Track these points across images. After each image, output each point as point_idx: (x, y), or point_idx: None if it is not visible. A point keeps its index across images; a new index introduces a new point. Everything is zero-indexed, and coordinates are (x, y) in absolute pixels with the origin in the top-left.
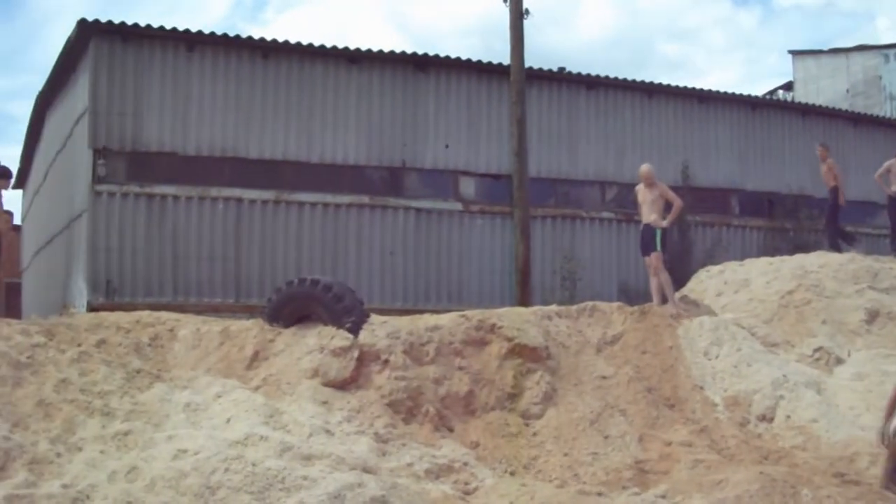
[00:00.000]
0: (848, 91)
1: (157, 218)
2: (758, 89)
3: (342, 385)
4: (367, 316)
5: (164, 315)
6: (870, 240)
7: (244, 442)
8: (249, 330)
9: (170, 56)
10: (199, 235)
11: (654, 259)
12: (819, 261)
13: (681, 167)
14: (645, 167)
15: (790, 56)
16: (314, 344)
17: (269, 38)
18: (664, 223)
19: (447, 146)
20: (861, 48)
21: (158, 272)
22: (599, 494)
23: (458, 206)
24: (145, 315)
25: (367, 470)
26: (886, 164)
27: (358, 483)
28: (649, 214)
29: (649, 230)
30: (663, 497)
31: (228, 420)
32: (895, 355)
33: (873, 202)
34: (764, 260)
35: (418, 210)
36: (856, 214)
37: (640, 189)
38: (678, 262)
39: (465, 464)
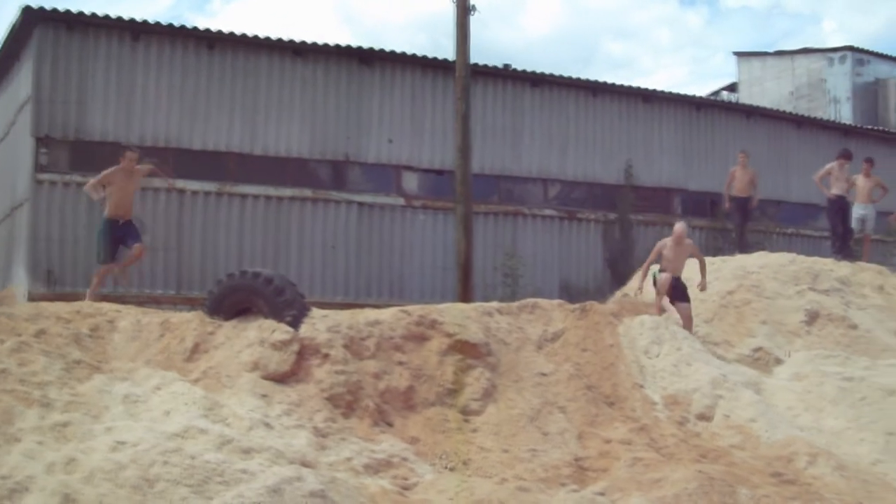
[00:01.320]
0: (792, 93)
1: (100, 208)
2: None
3: (282, 378)
4: (308, 309)
5: (104, 306)
6: (811, 242)
7: (183, 435)
8: (190, 322)
9: (115, 45)
10: (140, 226)
11: (687, 309)
12: (760, 261)
13: (624, 166)
14: (680, 226)
15: (735, 57)
16: (254, 337)
17: (214, 28)
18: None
19: (391, 141)
20: (806, 51)
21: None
22: (538, 491)
23: (401, 201)
24: (85, 305)
25: (305, 464)
26: (827, 166)
27: (297, 477)
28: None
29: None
30: (602, 494)
31: (168, 412)
32: (834, 356)
33: (814, 204)
34: (707, 259)
35: (360, 204)
36: (798, 216)
37: (668, 244)
38: (620, 261)
39: (405, 459)
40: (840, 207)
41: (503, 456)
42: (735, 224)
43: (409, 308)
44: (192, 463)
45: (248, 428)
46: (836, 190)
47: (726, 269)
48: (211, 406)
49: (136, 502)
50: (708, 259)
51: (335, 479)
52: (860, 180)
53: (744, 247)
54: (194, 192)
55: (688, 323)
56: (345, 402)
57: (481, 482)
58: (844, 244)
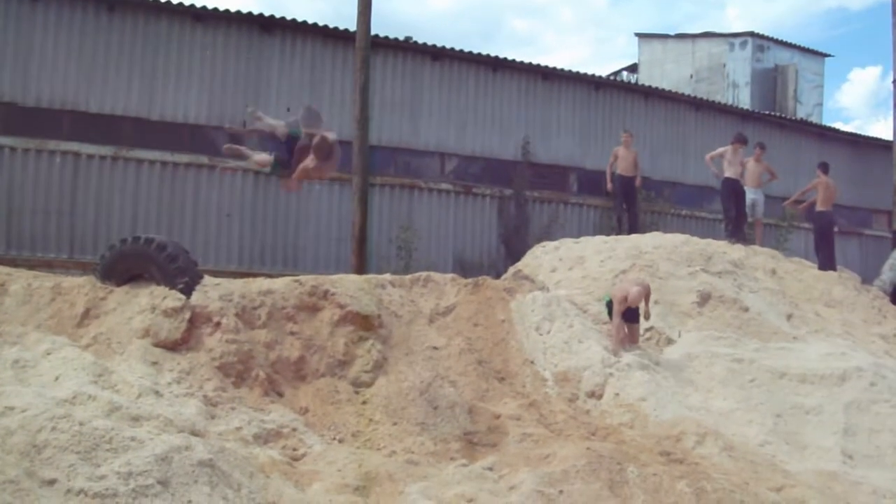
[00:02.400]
0: (692, 76)
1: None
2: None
3: (173, 346)
4: (201, 277)
5: None
6: (706, 224)
7: (72, 401)
8: (81, 287)
9: (13, 4)
10: (34, 189)
11: (635, 329)
12: (654, 242)
13: (522, 142)
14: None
15: (637, 38)
16: (146, 303)
17: None
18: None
19: (289, 110)
20: (707, 35)
21: None
22: (427, 465)
23: None
24: None
25: (195, 433)
26: (720, 149)
27: (185, 446)
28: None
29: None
30: (490, 469)
31: (57, 378)
32: (725, 338)
33: (710, 187)
34: (599, 238)
35: (257, 173)
36: (693, 198)
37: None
38: (514, 237)
39: (294, 430)
40: (733, 190)
41: (393, 429)
42: (616, 204)
43: (303, 278)
44: (81, 429)
45: (138, 395)
46: (729, 173)
47: (620, 248)
48: (101, 372)
49: (24, 468)
50: (601, 238)
51: (224, 448)
52: (750, 164)
53: (634, 227)
54: (90, 156)
55: (635, 339)
56: (235, 372)
57: (370, 454)
58: (738, 227)
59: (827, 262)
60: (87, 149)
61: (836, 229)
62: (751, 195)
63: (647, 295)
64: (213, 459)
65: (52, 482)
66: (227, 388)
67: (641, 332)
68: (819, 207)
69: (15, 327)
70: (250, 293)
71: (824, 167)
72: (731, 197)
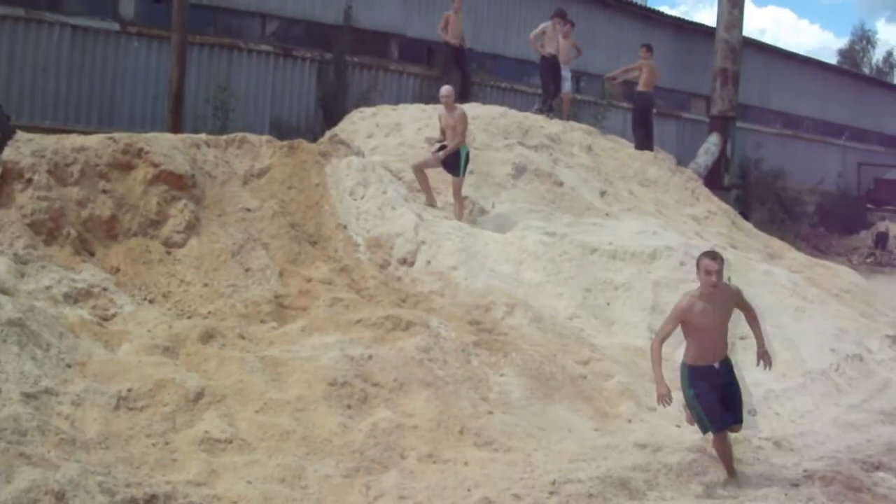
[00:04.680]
0: None
1: None
2: None
3: None
4: (13, 132)
5: None
6: (525, 98)
7: None
8: None
9: None
10: None
11: (456, 183)
12: (472, 112)
13: (344, 7)
14: (446, 88)
15: None
16: None
17: None
18: (447, 151)
19: None
20: None
21: None
22: (237, 327)
23: (116, 27)
24: None
25: (4, 291)
26: (542, 25)
27: None
28: (452, 138)
29: (454, 154)
30: (301, 331)
31: None
32: (538, 211)
33: (531, 61)
34: (417, 106)
35: (75, 27)
36: (513, 72)
37: (442, 114)
38: (332, 102)
39: (105, 289)
40: (552, 66)
41: (204, 290)
42: (444, 73)
43: (117, 136)
44: None
45: None
46: (549, 49)
47: (436, 116)
48: None
49: None
50: (420, 106)
51: (34, 307)
52: (559, 42)
53: (466, 94)
54: None
55: (458, 191)
56: (46, 230)
57: (181, 315)
58: (548, 101)
59: (644, 141)
60: None
61: (655, 111)
62: (562, 72)
63: (459, 139)
64: (21, 318)
65: None
66: (38, 246)
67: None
68: (640, 88)
69: None
70: (63, 149)
71: (648, 49)
72: (549, 72)
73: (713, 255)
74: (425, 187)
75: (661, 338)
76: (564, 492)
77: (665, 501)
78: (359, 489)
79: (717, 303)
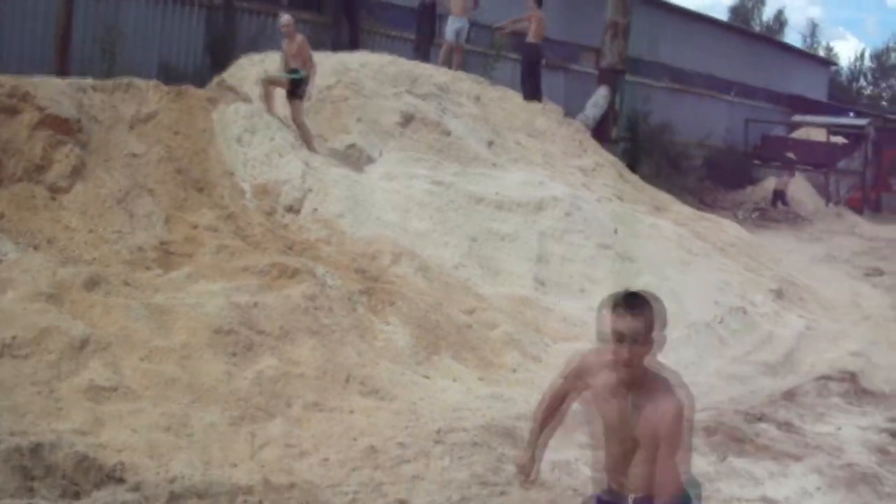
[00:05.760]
0: None
1: None
2: None
3: None
4: None
5: None
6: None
7: None
8: None
9: None
10: None
11: (298, 108)
12: (360, 59)
13: None
14: (285, 17)
15: None
16: None
17: None
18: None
19: None
20: None
21: None
22: (122, 273)
23: None
24: None
25: None
26: None
27: None
28: (293, 64)
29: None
30: (187, 278)
31: None
32: (425, 160)
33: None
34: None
35: None
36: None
37: (284, 44)
38: (221, 47)
39: None
40: (426, 11)
41: (89, 236)
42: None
43: (2, 79)
44: None
45: None
46: None
47: (326, 64)
48: None
49: None
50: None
51: None
52: None
53: (355, 42)
54: None
55: (298, 117)
56: None
57: (65, 262)
58: (420, 48)
59: (532, 93)
60: None
61: (544, 62)
62: (457, 23)
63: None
64: None
65: None
66: None
67: (342, 148)
68: (530, 39)
69: None
70: None
71: (538, 1)
72: (423, 18)
73: (631, 305)
74: (269, 101)
75: (550, 390)
76: (449, 440)
77: (548, 450)
78: (244, 437)
79: (638, 398)
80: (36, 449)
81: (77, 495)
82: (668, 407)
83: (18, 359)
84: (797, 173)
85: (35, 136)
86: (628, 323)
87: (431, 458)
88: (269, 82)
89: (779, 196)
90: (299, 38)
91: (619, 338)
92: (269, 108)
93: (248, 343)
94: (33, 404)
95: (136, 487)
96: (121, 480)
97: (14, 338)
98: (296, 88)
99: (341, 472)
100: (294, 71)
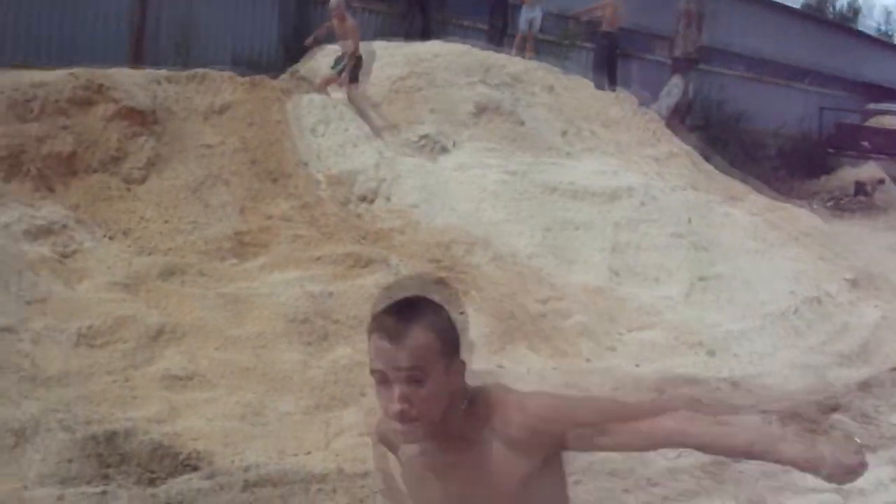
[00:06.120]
0: None
1: None
2: None
3: None
4: None
5: None
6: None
7: None
8: None
9: None
10: None
11: (327, 78)
12: (434, 50)
13: None
14: (333, 1)
15: None
16: None
17: None
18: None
19: None
20: None
21: None
22: (198, 263)
23: None
24: None
25: None
26: None
27: None
28: (343, 49)
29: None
30: (261, 268)
31: None
32: (499, 149)
33: None
34: (380, 44)
35: None
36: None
37: (336, 27)
38: (294, 39)
39: (65, 226)
40: (501, 1)
41: (164, 227)
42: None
43: (77, 71)
44: None
45: None
46: None
47: (399, 54)
48: None
49: None
50: (382, 43)
51: None
52: None
53: (428, 34)
54: None
55: (354, 101)
56: (6, 166)
57: (141, 252)
58: (497, 36)
59: (606, 82)
60: None
61: (618, 51)
62: (530, 12)
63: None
64: None
65: None
66: None
67: (416, 138)
68: (605, 27)
69: None
70: (23, 85)
71: None
72: (498, 8)
73: (396, 324)
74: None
75: None
76: None
77: None
78: (318, 426)
79: (463, 454)
80: (111, 437)
81: (152, 482)
82: (514, 416)
83: (94, 348)
84: (871, 162)
85: (110, 127)
86: (392, 354)
87: None
88: (324, 83)
89: (860, 188)
90: (349, 22)
91: (381, 378)
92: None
93: (322, 332)
94: (109, 393)
95: (211, 475)
96: (195, 468)
97: (90, 327)
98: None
99: None
100: (340, 59)
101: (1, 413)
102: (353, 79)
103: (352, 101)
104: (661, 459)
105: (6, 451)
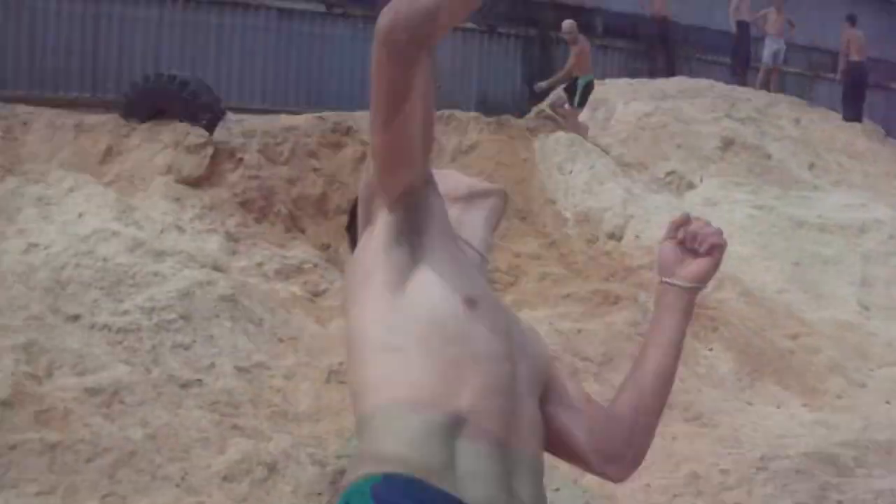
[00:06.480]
0: None
1: (13, 6)
2: None
3: (195, 182)
4: (224, 114)
5: (18, 108)
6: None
7: (95, 237)
8: (104, 124)
9: None
10: (56, 26)
11: (572, 114)
12: (678, 85)
13: None
14: (567, 23)
15: None
16: (169, 140)
17: None
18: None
19: None
20: None
21: (13, 63)
22: None
23: (322, 8)
24: None
25: (217, 268)
26: None
27: (207, 281)
28: (575, 72)
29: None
30: (510, 305)
31: (80, 215)
32: (746, 184)
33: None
34: (624, 81)
35: (280, 10)
36: (719, 44)
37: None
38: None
39: (315, 265)
40: (741, 33)
41: None
42: (650, 45)
43: (325, 114)
44: (104, 265)
45: (161, 231)
46: (741, 16)
47: (644, 91)
48: (124, 209)
49: (48, 304)
50: (625, 80)
51: (246, 283)
52: (772, 14)
53: (672, 70)
54: None
55: (574, 121)
56: (257, 208)
57: None
58: (741, 70)
59: (853, 113)
60: None
61: (867, 82)
62: (774, 45)
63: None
64: (234, 294)
65: (76, 318)
66: (249, 223)
67: (662, 175)
68: (854, 57)
69: (38, 165)
70: (273, 130)
71: (852, 20)
72: (738, 39)
73: None
74: (566, 122)
75: None
76: (772, 467)
77: (873, 479)
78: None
79: None
80: None
81: None
82: None
83: (345, 384)
84: None
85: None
86: None
87: (754, 485)
88: (553, 109)
89: None
90: (579, 45)
91: None
92: (569, 128)
93: (571, 369)
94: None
95: None
96: None
97: (341, 363)
98: (571, 97)
99: (663, 498)
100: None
101: (253, 447)
102: (582, 103)
103: (574, 128)
104: None
105: (258, 484)
